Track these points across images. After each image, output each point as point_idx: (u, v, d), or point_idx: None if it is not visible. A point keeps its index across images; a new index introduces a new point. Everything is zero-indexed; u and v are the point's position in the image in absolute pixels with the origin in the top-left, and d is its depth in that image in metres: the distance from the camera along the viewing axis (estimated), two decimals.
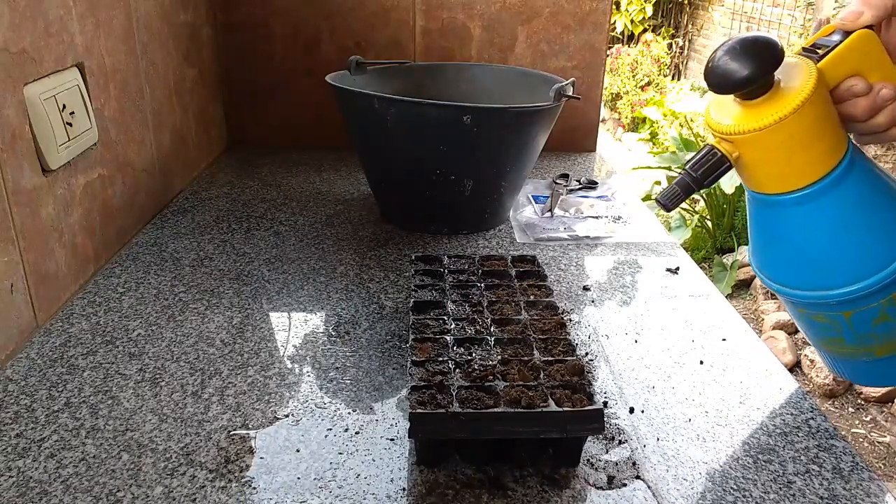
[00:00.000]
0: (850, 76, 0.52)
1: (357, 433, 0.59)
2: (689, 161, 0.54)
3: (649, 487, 0.54)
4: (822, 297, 0.54)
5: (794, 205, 0.52)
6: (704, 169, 0.52)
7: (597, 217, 1.06)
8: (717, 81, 0.50)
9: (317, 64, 1.29)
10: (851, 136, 0.55)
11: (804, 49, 0.54)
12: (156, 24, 1.02)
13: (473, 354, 0.60)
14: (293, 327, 0.75)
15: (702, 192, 3.16)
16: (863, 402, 2.33)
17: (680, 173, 0.54)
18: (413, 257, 0.79)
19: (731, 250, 3.17)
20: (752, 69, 0.48)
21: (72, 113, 0.78)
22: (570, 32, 1.29)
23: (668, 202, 0.55)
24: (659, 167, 3.43)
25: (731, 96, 0.52)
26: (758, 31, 0.55)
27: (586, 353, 0.71)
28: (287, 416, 0.61)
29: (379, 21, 1.27)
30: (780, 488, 0.54)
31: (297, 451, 0.57)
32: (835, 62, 0.51)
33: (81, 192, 0.81)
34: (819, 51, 0.52)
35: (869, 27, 0.51)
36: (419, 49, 1.30)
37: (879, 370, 0.58)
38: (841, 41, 0.52)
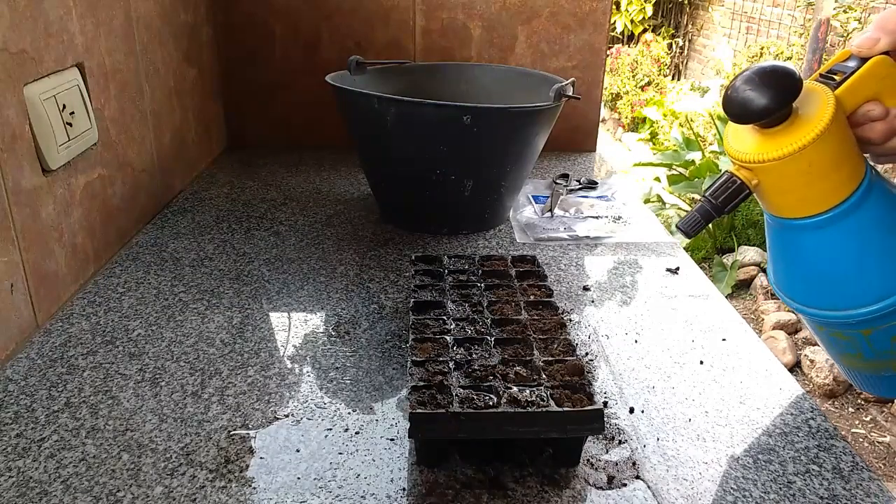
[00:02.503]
0: (867, 101, 0.52)
1: (357, 433, 0.59)
2: (708, 188, 0.55)
3: (649, 487, 0.54)
4: (841, 316, 0.55)
5: (813, 229, 0.53)
6: (725, 196, 0.54)
7: (597, 217, 1.06)
8: (737, 112, 0.50)
9: (317, 64, 1.29)
10: (868, 157, 0.55)
11: (821, 75, 0.54)
12: (156, 24, 1.02)
13: (473, 354, 0.60)
14: (293, 327, 0.75)
15: (702, 192, 3.17)
16: (863, 402, 2.33)
17: (700, 200, 0.56)
18: (413, 257, 0.79)
19: (731, 250, 3.17)
20: (771, 100, 0.49)
21: (72, 113, 0.78)
22: (570, 32, 1.29)
23: (688, 229, 0.56)
24: (660, 164, 3.43)
25: (753, 126, 0.53)
26: (774, 61, 0.56)
27: (586, 353, 0.71)
28: (287, 416, 0.61)
29: (379, 21, 1.27)
30: (780, 488, 0.54)
31: (297, 451, 0.57)
32: (852, 89, 0.52)
33: (81, 192, 0.81)
34: (836, 77, 0.53)
35: (885, 52, 0.52)
36: (419, 49, 1.30)
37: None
38: (857, 67, 0.52)
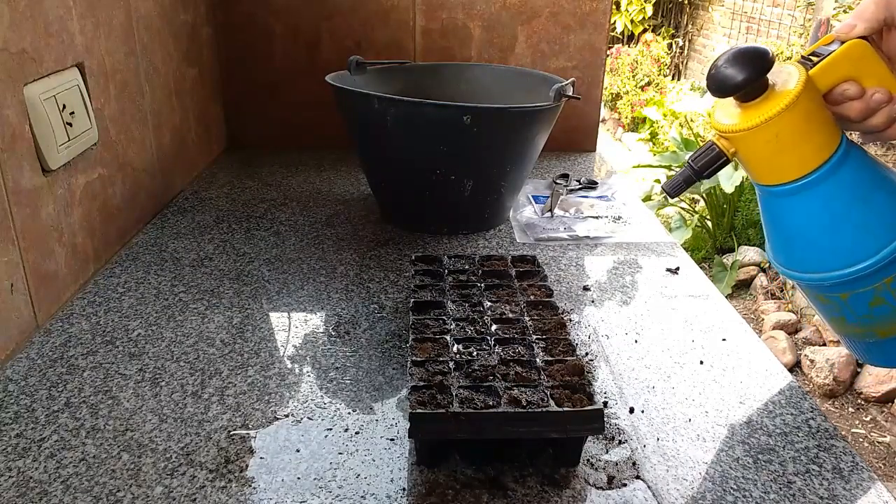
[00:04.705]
0: (843, 81, 0.56)
1: (357, 433, 0.59)
2: (692, 155, 0.60)
3: (649, 487, 0.54)
4: (818, 279, 0.59)
5: (787, 195, 0.57)
6: (704, 162, 0.59)
7: (597, 217, 1.06)
8: (715, 87, 0.56)
9: (317, 64, 1.29)
10: (857, 135, 0.59)
11: (803, 57, 0.58)
12: (156, 24, 1.02)
13: (473, 354, 0.60)
14: (293, 327, 0.75)
15: (702, 192, 3.17)
16: (863, 402, 2.33)
17: (684, 165, 0.61)
18: (413, 257, 0.79)
19: (731, 250, 3.16)
20: (742, 75, 0.54)
21: (72, 113, 0.78)
22: (570, 32, 1.29)
23: (671, 190, 0.62)
24: (659, 165, 3.43)
25: (732, 99, 0.57)
26: (755, 43, 0.62)
27: (586, 353, 0.71)
28: (287, 416, 0.61)
29: (379, 21, 1.27)
30: (780, 488, 0.54)
31: (297, 451, 0.57)
32: (827, 69, 0.56)
33: (81, 192, 0.81)
34: (814, 59, 0.57)
35: (865, 38, 0.56)
36: (419, 49, 1.30)
37: (888, 350, 0.62)
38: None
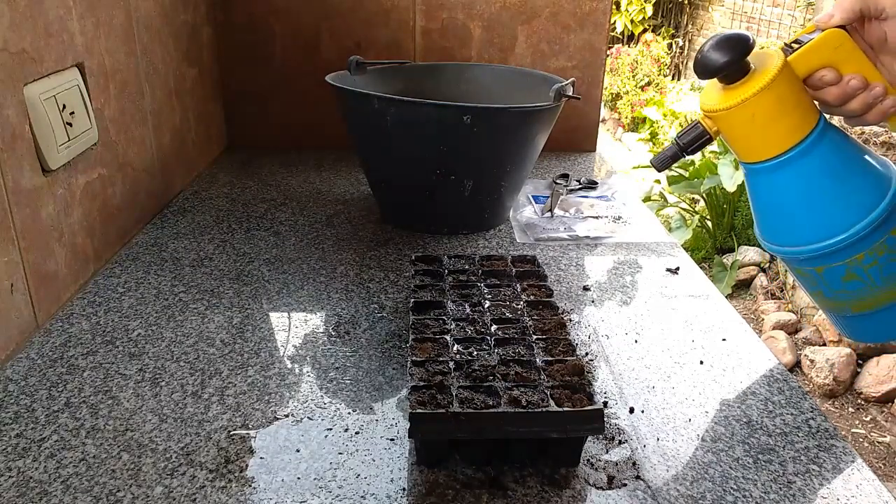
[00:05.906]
0: (822, 68, 0.59)
1: (357, 433, 0.59)
2: (679, 132, 0.64)
3: (649, 487, 0.54)
4: (794, 252, 0.62)
5: (765, 172, 0.61)
6: (689, 139, 0.63)
7: (597, 217, 1.06)
8: (699, 69, 0.60)
9: (317, 64, 1.29)
10: (841, 120, 0.63)
11: (786, 44, 0.61)
12: (156, 24, 1.02)
13: (473, 354, 0.60)
14: (293, 327, 0.75)
15: (702, 192, 3.17)
16: (863, 402, 2.33)
17: (672, 142, 0.66)
18: (413, 257, 0.79)
19: (731, 250, 3.16)
20: (722, 58, 0.58)
21: (72, 113, 0.78)
22: (570, 32, 1.29)
23: (658, 164, 0.66)
24: None
25: (717, 82, 0.61)
26: (738, 30, 0.66)
27: (586, 353, 0.71)
28: (287, 416, 0.61)
29: (379, 21, 1.27)
30: (780, 488, 0.54)
31: (297, 451, 0.57)
32: (804, 56, 0.59)
33: (81, 192, 0.81)
34: (795, 46, 0.60)
35: (843, 27, 0.59)
36: (419, 49, 1.30)
37: (863, 325, 0.65)
38: None
